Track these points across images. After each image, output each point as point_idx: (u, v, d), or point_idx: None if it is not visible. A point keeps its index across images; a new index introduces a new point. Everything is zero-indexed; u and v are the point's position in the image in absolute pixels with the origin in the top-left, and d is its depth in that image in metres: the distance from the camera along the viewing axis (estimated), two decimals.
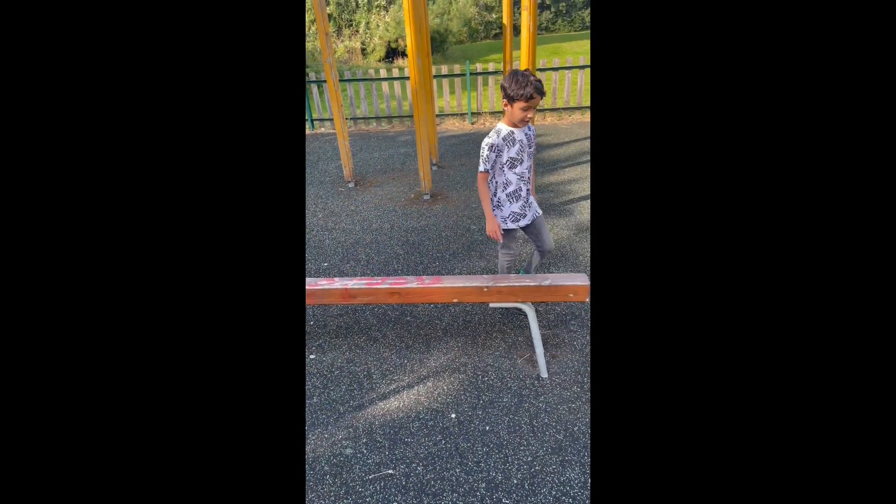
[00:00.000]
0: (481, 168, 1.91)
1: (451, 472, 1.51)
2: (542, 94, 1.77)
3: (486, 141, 1.88)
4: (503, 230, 2.00)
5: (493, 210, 1.98)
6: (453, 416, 1.73)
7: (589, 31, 14.05)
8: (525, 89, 1.74)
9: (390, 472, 1.53)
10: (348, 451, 1.61)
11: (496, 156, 1.89)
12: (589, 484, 1.44)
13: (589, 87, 5.67)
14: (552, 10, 14.67)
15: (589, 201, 3.42)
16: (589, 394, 1.78)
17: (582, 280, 1.80)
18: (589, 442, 1.58)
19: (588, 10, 14.69)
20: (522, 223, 2.02)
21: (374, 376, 1.94)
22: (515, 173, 1.93)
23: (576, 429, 1.63)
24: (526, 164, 1.93)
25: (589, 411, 1.70)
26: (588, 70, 5.55)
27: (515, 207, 1.98)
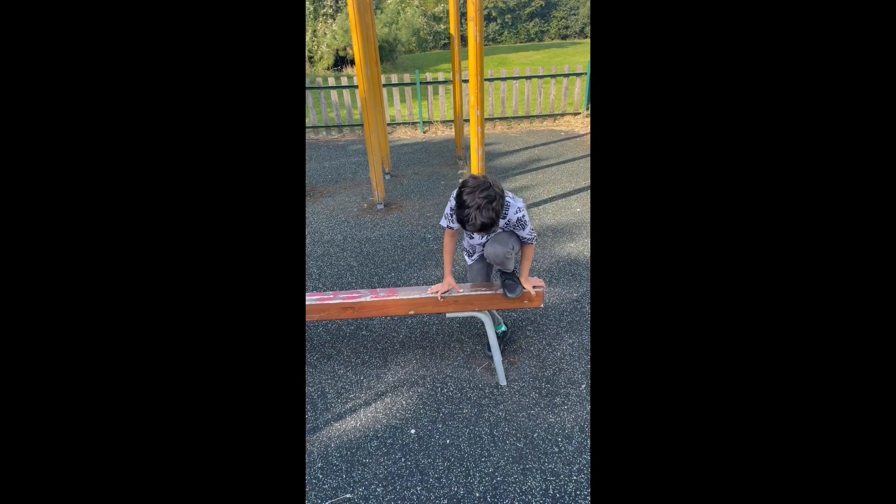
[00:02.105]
0: (443, 223, 1.71)
1: (411, 490, 1.47)
2: (484, 232, 1.49)
3: (452, 201, 1.62)
4: (468, 264, 1.91)
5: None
6: (413, 431, 1.68)
7: (533, 43, 14.55)
8: (464, 219, 1.46)
9: (348, 496, 1.46)
10: None
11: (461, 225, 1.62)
12: (550, 491, 1.45)
13: (535, 96, 5.84)
14: (498, 21, 15.08)
15: (541, 207, 3.50)
16: (546, 399, 1.79)
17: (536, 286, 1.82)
18: (548, 448, 1.59)
19: (532, 23, 15.22)
20: (478, 252, 1.88)
21: (329, 396, 1.86)
22: (469, 243, 1.84)
23: (535, 435, 1.64)
24: (480, 239, 1.77)
25: (546, 416, 1.72)
26: (534, 80, 5.72)
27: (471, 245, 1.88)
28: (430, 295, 1.79)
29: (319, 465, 1.56)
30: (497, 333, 2.09)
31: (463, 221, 1.48)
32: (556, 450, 1.58)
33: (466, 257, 1.93)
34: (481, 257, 1.89)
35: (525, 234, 1.69)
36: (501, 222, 1.63)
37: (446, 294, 1.79)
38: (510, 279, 1.80)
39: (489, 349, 2.02)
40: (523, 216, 1.65)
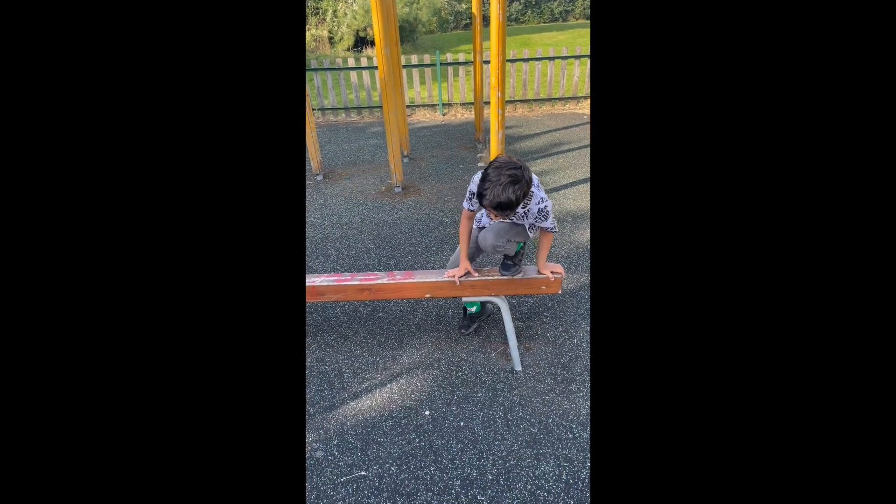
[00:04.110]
0: (465, 205, 1.67)
1: (425, 470, 1.49)
2: (500, 212, 1.45)
3: (472, 184, 1.58)
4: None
5: None
6: (427, 413, 1.70)
7: (557, 23, 14.13)
8: (483, 192, 1.42)
9: (363, 473, 1.49)
10: (319, 453, 1.56)
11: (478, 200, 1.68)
12: (563, 477, 1.45)
13: (557, 78, 5.69)
14: (521, 1, 14.67)
15: (561, 192, 3.43)
16: (562, 385, 1.78)
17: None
18: (562, 434, 1.59)
19: (556, 2, 14.76)
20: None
21: (346, 375, 1.89)
22: (481, 222, 1.84)
23: (549, 421, 1.63)
24: (486, 221, 1.77)
25: (562, 403, 1.71)
26: (557, 62, 5.56)
27: None
28: (447, 279, 1.78)
29: (335, 442, 1.59)
30: (472, 311, 2.05)
31: (481, 195, 1.45)
32: (571, 436, 1.58)
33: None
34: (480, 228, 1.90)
35: (547, 224, 1.66)
36: (520, 210, 1.60)
37: (463, 278, 1.78)
38: (509, 260, 1.79)
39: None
40: (545, 207, 1.60)
